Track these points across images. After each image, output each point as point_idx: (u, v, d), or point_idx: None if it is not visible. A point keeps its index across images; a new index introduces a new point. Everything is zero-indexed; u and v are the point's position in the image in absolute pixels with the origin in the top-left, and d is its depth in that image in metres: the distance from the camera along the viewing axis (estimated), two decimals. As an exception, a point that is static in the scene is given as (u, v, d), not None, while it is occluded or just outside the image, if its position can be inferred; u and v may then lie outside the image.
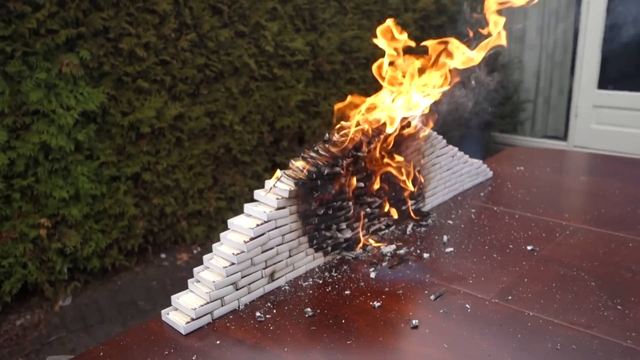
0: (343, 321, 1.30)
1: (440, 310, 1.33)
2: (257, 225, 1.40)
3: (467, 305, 1.34)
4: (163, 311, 1.33)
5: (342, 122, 1.60)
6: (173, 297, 1.35)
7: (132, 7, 3.27)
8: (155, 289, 3.65)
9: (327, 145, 1.54)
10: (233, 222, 1.44)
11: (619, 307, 1.31)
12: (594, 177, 2.27)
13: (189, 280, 1.39)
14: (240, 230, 1.41)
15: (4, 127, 2.91)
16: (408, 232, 1.76)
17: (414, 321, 1.27)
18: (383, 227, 1.75)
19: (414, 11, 5.12)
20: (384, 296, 1.40)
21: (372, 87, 4.90)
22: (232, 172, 4.14)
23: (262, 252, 1.41)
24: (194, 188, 3.88)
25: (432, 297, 1.38)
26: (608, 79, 5.16)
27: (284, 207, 1.45)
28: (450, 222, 1.85)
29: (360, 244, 1.66)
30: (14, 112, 2.96)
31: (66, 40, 3.03)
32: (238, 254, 1.36)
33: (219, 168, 4.06)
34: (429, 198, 1.94)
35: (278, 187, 1.48)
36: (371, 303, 1.36)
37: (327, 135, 1.59)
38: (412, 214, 1.83)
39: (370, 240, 1.68)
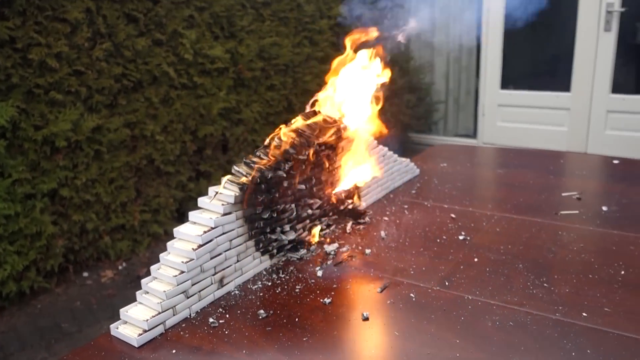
0: (297, 319, 1.33)
1: (388, 302, 1.39)
2: (205, 232, 1.40)
3: (412, 295, 1.42)
4: (112, 325, 1.30)
5: (281, 128, 1.63)
6: (122, 310, 1.32)
7: (41, 16, 3.11)
8: (80, 310, 3.48)
9: (267, 150, 1.57)
10: (179, 230, 1.43)
11: (545, 284, 1.44)
12: (508, 169, 2.46)
13: (137, 292, 1.36)
14: (187, 238, 1.41)
15: None
16: (348, 231, 1.83)
17: (364, 313, 1.33)
18: (324, 227, 1.80)
19: (329, 18, 5.25)
20: (333, 292, 1.45)
21: (292, 92, 4.96)
22: (156, 184, 4.04)
23: (211, 258, 1.41)
24: (116, 202, 3.74)
25: (378, 290, 1.45)
26: (509, 79, 5.56)
27: (230, 213, 1.46)
28: (386, 218, 1.93)
29: (305, 245, 1.69)
30: None
31: (-31, 51, 2.84)
32: (188, 261, 1.35)
33: (142, 180, 3.95)
34: (364, 197, 2.02)
35: (223, 193, 1.49)
36: (322, 300, 1.40)
37: (267, 140, 1.62)
38: (350, 213, 1.89)
39: (313, 240, 1.72)
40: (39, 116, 3.20)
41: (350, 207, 1.90)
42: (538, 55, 5.49)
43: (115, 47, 3.53)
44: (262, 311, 1.36)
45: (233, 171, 1.55)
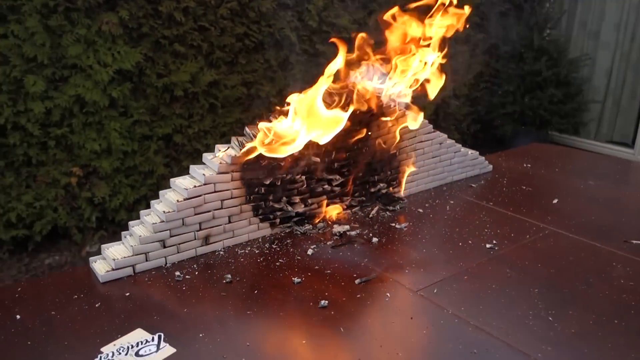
0: (256, 292, 1.28)
1: (358, 295, 1.27)
2: (194, 186, 1.41)
3: (388, 294, 1.28)
4: (91, 258, 1.37)
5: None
6: (103, 246, 1.39)
7: (175, -28, 3.33)
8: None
9: (278, 115, 1.51)
10: (175, 181, 1.45)
11: (550, 318, 1.19)
12: (603, 182, 2.06)
13: (123, 232, 1.42)
14: (178, 189, 1.42)
15: (43, 77, 3.09)
16: (371, 215, 1.70)
17: (323, 302, 1.23)
18: (345, 206, 1.70)
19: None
20: (309, 273, 1.36)
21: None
22: (266, 144, 4.17)
23: (196, 214, 1.41)
24: (225, 155, 3.95)
25: (357, 281, 1.33)
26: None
27: (225, 172, 1.44)
28: (421, 210, 1.76)
29: (316, 220, 1.62)
30: (54, 64, 3.13)
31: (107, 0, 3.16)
32: (168, 212, 1.37)
33: (253, 138, 4.10)
34: (408, 184, 1.86)
35: (227, 152, 1.47)
36: (293, 278, 1.33)
37: (285, 104, 1.56)
38: (380, 197, 1.76)
39: (327, 218, 1.64)
40: (162, 65, 3.47)
41: (383, 191, 1.77)
42: None
43: (241, 6, 3.66)
44: (229, 276, 1.34)
45: (245, 132, 1.52)
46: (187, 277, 1.34)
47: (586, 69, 5.07)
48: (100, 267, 1.33)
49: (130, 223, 1.42)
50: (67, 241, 3.64)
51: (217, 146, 1.50)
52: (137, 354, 1.06)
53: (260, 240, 1.54)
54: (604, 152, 4.89)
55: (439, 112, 4.89)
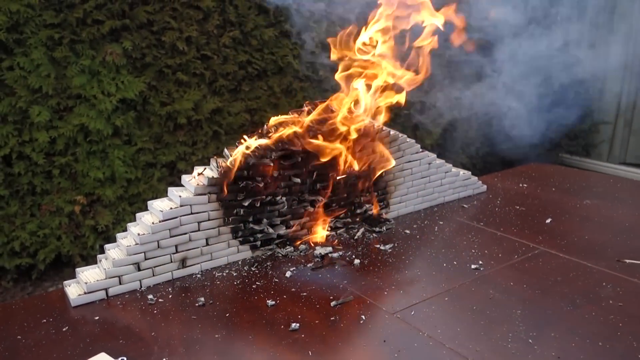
0: (227, 314, 1.25)
1: (332, 318, 1.24)
2: (170, 208, 1.39)
3: (363, 316, 1.24)
4: (65, 282, 1.36)
5: (280, 116, 1.55)
6: (78, 269, 1.38)
7: (177, 3, 3.40)
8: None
9: (258, 137, 1.51)
10: (152, 204, 1.44)
11: (530, 340, 1.14)
12: (601, 201, 2.00)
13: (98, 256, 1.41)
14: (154, 212, 1.41)
15: (48, 107, 3.15)
16: (356, 237, 1.67)
17: (294, 324, 1.20)
18: (329, 228, 1.67)
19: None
20: (285, 296, 1.33)
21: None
22: (271, 170, 4.17)
23: (172, 236, 1.40)
24: (229, 182, 3.96)
25: (332, 304, 1.29)
26: None
27: (203, 194, 1.43)
28: (408, 231, 1.72)
29: (298, 243, 1.59)
30: (59, 94, 3.19)
31: (111, 31, 3.23)
32: (142, 234, 1.36)
33: (257, 165, 4.11)
34: (395, 205, 1.83)
35: (204, 174, 1.46)
36: (268, 301, 1.30)
37: (265, 126, 1.55)
38: (364, 218, 1.73)
39: (312, 240, 1.61)
40: (166, 93, 3.52)
41: (369, 212, 1.74)
42: None
43: (244, 35, 3.72)
44: (202, 299, 1.31)
45: (223, 153, 1.51)
46: (160, 300, 1.32)
47: (595, 89, 5.00)
48: (73, 290, 1.32)
49: (106, 246, 1.41)
50: (70, 269, 3.65)
51: (196, 168, 1.49)
52: (96, 379, 1.03)
53: (240, 262, 1.52)
54: (618, 174, 4.78)
55: (446, 136, 4.86)
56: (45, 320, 1.22)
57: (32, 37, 3.04)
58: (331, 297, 1.32)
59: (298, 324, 1.19)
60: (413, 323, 1.21)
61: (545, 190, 2.12)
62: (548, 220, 1.79)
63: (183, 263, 1.43)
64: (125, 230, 3.26)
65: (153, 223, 1.36)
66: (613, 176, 2.58)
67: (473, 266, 1.47)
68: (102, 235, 3.59)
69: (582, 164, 5.03)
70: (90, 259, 3.60)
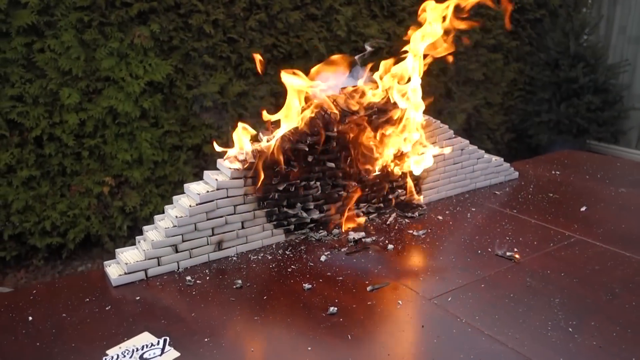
0: (265, 297, 1.27)
1: (369, 303, 1.24)
2: (207, 192, 1.41)
3: (400, 302, 1.24)
4: (105, 262, 1.39)
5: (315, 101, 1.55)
6: (117, 250, 1.41)
7: (204, -15, 3.40)
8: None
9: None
10: (189, 187, 1.46)
11: (570, 329, 1.14)
12: (638, 189, 1.97)
13: (137, 237, 1.43)
14: (191, 195, 1.43)
15: (78, 89, 3.19)
16: (388, 222, 1.67)
17: (332, 308, 1.20)
18: (362, 212, 1.67)
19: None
20: (321, 280, 1.34)
21: (451, 80, 4.68)
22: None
23: (208, 219, 1.41)
24: (254, 165, 3.97)
25: (368, 288, 1.30)
26: None
27: (238, 178, 1.44)
28: (440, 217, 1.71)
29: (332, 227, 1.60)
30: (88, 76, 3.22)
31: (139, 14, 3.24)
32: (180, 217, 1.37)
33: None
34: (427, 191, 1.82)
35: (239, 158, 1.47)
36: (304, 285, 1.31)
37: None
38: (397, 203, 1.73)
39: (344, 225, 1.61)
40: (192, 77, 3.53)
41: (401, 198, 1.73)
42: None
43: (270, 18, 3.70)
44: (240, 281, 1.33)
45: (258, 137, 1.52)
46: (198, 282, 1.34)
47: (626, 75, 4.89)
48: (114, 271, 1.35)
49: (144, 228, 1.43)
50: (99, 249, 3.72)
51: (230, 150, 1.50)
52: (141, 357, 1.06)
53: (274, 246, 1.53)
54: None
55: (470, 122, 4.80)
56: (88, 299, 1.25)
57: (63, 19, 3.06)
58: (367, 282, 1.33)
59: (336, 308, 1.20)
60: (450, 309, 1.21)
61: (579, 177, 2.09)
62: (583, 209, 1.77)
63: (219, 245, 1.45)
64: (152, 212, 3.27)
65: (190, 206, 1.38)
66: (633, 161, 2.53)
67: (508, 253, 1.46)
68: (130, 217, 3.65)
69: (610, 151, 4.95)
70: (117, 240, 3.66)
